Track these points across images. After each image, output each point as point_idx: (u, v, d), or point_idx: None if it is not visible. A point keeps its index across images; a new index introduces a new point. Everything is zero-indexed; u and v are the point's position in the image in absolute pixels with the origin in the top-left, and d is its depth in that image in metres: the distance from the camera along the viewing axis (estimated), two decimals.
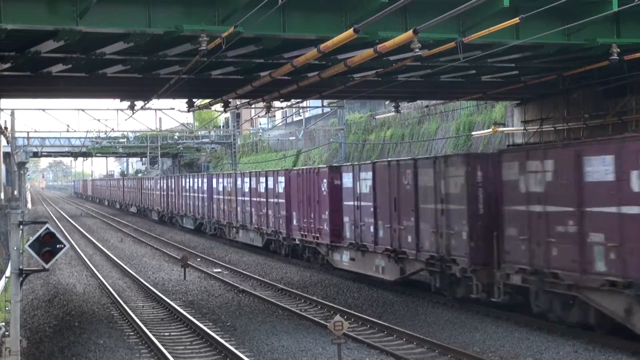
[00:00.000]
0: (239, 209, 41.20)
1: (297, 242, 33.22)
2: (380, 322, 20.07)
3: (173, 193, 59.10)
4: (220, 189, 45.01)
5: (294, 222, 33.08)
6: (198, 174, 54.31)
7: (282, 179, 34.74)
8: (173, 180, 59.95)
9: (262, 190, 37.23)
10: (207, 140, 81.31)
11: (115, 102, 41.41)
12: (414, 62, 21.73)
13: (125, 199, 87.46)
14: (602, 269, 16.63)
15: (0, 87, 26.84)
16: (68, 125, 74.18)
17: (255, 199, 38.35)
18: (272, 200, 35.87)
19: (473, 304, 22.01)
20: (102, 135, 76.42)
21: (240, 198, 40.93)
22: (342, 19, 18.15)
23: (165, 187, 62.46)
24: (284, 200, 34.14)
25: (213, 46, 17.44)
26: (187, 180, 54.33)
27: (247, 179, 40.02)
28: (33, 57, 20.19)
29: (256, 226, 38.33)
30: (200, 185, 50.01)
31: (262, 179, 37.42)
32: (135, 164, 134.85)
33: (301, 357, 17.16)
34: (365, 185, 26.63)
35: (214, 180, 46.86)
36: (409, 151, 48.61)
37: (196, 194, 51.02)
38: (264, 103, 30.42)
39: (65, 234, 51.77)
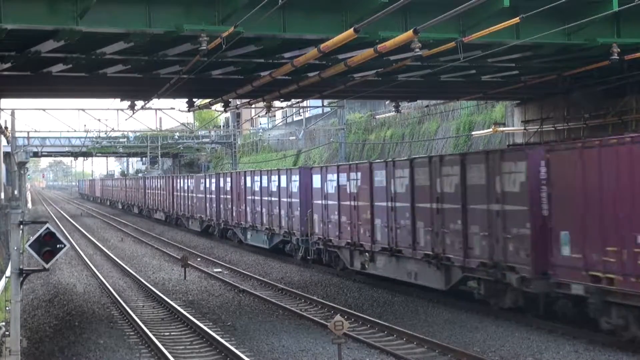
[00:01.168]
0: (403, 222, 24.64)
1: (580, 290, 17.67)
2: (380, 321, 20.08)
3: (229, 197, 43.36)
4: (353, 189, 28.06)
5: (565, 250, 17.96)
6: (292, 169, 36.90)
7: (537, 164, 19.04)
8: (236, 178, 42.50)
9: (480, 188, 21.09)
10: (207, 140, 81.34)
11: (116, 102, 41.45)
12: (414, 62, 21.72)
13: (148, 202, 71.86)
14: None
15: (0, 87, 26.84)
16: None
17: (451, 207, 22.21)
18: (498, 207, 20.18)
19: (473, 304, 22.01)
20: (102, 135, 76.40)
21: (394, 204, 25.15)
22: (342, 18, 18.14)
23: (215, 189, 46.25)
24: (526, 207, 19.20)
25: (213, 46, 17.44)
26: (267, 177, 37.59)
27: (422, 170, 23.81)
28: (33, 57, 20.18)
29: (435, 252, 22.83)
30: (307, 181, 32.86)
31: (476, 169, 21.39)
32: (135, 163, 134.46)
33: (301, 356, 17.17)
34: None
35: (335, 176, 29.61)
36: (409, 151, 48.62)
37: (284, 199, 35.04)
38: (264, 103, 30.41)
39: (65, 233, 51.77)
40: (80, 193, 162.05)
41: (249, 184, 40.21)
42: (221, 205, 45.20)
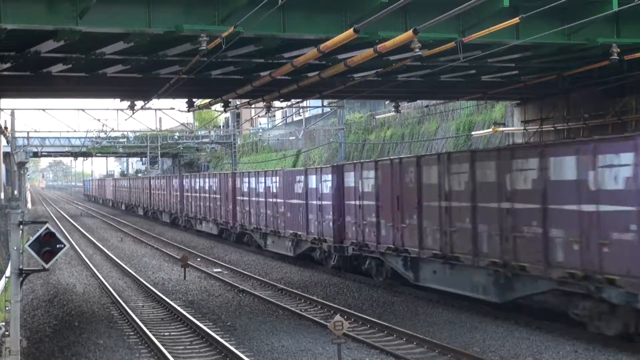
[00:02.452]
0: None
1: None
2: (380, 322, 20.08)
3: (371, 203, 26.84)
4: None
5: None
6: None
7: None
8: (394, 172, 25.51)
9: None
10: (207, 140, 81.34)
11: (116, 102, 41.45)
12: (414, 62, 21.72)
13: (187, 209, 55.66)
14: None
15: (0, 87, 26.83)
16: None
17: None
18: None
19: (473, 304, 22.01)
20: (102, 135, 76.32)
21: None
22: (342, 18, 18.14)
23: (332, 191, 30.09)
24: None
25: (213, 46, 17.44)
26: (504, 165, 20.26)
27: None
28: (33, 57, 20.18)
29: None
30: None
31: None
32: (135, 163, 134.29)
33: (301, 357, 17.17)
34: None
35: None
36: (410, 151, 48.65)
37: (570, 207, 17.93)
38: (264, 103, 30.40)
39: (65, 233, 51.76)
40: (86, 194, 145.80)
41: (426, 178, 23.61)
42: (347, 218, 28.85)
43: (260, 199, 38.40)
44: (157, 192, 68.30)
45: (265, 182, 37.94)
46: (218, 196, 46.01)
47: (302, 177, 33.30)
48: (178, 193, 58.22)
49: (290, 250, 34.76)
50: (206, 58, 19.86)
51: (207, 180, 49.57)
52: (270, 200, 36.85)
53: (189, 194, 54.78)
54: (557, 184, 18.25)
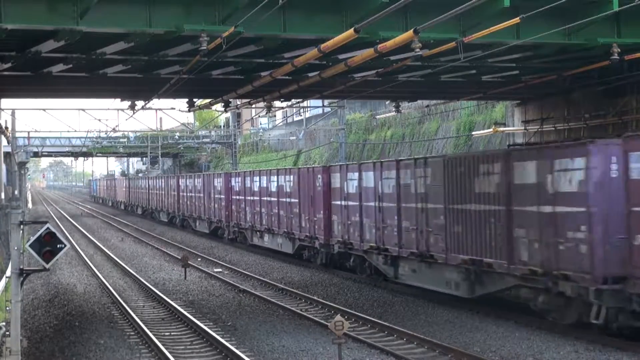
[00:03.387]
0: None
1: None
2: (380, 322, 20.08)
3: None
4: None
5: None
6: None
7: None
8: None
9: None
10: (207, 140, 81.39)
11: (116, 102, 41.49)
12: (414, 62, 21.72)
13: (237, 217, 42.57)
14: None
15: (1, 87, 26.83)
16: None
17: None
18: None
19: (473, 304, 22.00)
20: (103, 135, 76.32)
21: None
22: (343, 18, 18.15)
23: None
24: None
25: (213, 46, 17.45)
26: None
27: None
28: (33, 57, 20.19)
29: None
30: None
31: None
32: (135, 163, 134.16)
33: (302, 357, 17.17)
34: None
35: None
36: (410, 151, 48.65)
37: None
38: (265, 103, 30.40)
39: (65, 233, 51.78)
40: (93, 195, 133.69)
41: None
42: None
43: (386, 204, 25.50)
44: (188, 195, 54.66)
45: (397, 178, 24.87)
46: (295, 200, 33.55)
47: (498, 166, 19.94)
48: (222, 196, 44.78)
49: (461, 289, 21.97)
50: (206, 58, 19.87)
51: (274, 178, 36.41)
52: (411, 205, 23.99)
53: (241, 197, 41.51)
54: None
